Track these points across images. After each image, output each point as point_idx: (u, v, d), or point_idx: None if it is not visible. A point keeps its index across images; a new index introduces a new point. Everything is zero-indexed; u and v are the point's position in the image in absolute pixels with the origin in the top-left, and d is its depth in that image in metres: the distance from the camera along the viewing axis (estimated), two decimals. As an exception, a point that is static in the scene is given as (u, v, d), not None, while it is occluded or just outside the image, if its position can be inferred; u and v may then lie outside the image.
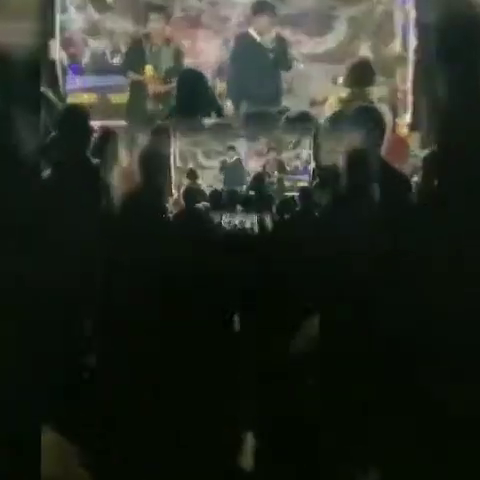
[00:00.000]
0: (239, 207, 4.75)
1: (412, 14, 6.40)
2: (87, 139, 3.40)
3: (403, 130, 6.16)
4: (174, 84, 5.55)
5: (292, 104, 6.02)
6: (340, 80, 5.50)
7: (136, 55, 6.02)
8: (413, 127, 6.20)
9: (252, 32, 6.00)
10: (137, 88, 5.98)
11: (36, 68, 2.14)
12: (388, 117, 4.54)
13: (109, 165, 3.53)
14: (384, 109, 4.65)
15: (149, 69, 5.94)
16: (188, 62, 6.12)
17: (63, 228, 2.71)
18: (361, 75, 4.97)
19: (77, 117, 3.43)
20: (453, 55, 1.99)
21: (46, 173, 3.11)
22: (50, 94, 4.62)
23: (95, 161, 3.36)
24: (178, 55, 6.09)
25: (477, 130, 1.82)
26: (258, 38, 5.97)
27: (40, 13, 2.02)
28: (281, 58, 5.99)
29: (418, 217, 2.72)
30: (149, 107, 5.89)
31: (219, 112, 5.12)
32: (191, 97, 4.63)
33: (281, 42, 6.03)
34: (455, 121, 1.88)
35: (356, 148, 3.27)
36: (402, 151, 5.10)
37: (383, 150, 3.38)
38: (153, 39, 6.02)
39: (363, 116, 3.52)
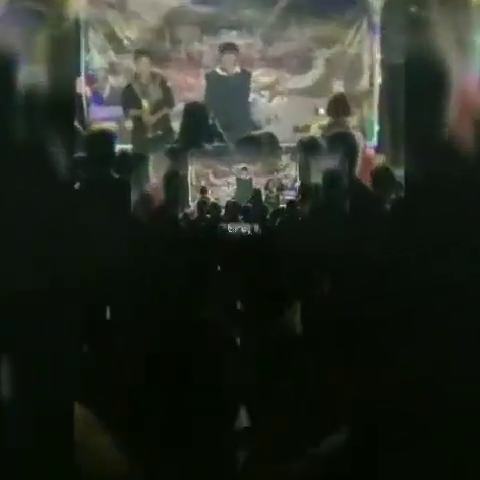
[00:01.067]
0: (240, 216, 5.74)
1: (377, 56, 7.26)
2: (113, 158, 3.86)
3: (370, 152, 6.93)
4: (165, 112, 6.68)
5: (277, 130, 6.78)
6: (321, 110, 6.52)
7: (130, 95, 6.90)
8: (378, 150, 7.16)
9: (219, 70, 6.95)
10: (137, 120, 6.86)
11: (67, 102, 2.74)
12: (361, 142, 5.29)
13: (140, 182, 4.21)
14: (358, 135, 5.31)
15: (144, 104, 6.82)
16: (186, 96, 6.95)
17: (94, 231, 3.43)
18: (340, 106, 6.02)
19: (104, 139, 3.86)
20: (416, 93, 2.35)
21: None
22: (76, 122, 5.28)
23: (124, 178, 3.78)
24: (165, 88, 6.92)
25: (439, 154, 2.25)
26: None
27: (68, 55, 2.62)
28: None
29: (386, 225, 3.28)
30: (149, 135, 6.75)
31: (221, 138, 5.87)
32: (196, 127, 5.33)
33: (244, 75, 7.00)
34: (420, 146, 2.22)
35: (333, 169, 3.74)
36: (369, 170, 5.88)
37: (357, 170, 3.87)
38: (141, 78, 6.91)
39: (341, 141, 4.01)
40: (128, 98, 6.91)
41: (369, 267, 2.86)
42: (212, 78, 7.01)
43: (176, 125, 6.60)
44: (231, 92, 6.83)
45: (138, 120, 6.84)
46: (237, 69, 6.98)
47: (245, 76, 7.06)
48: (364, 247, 3.09)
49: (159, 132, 6.73)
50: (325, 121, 6.06)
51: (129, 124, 6.92)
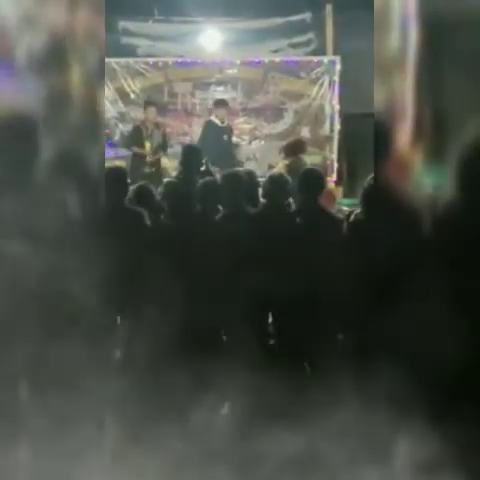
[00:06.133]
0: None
1: (336, 107, 8.98)
2: (126, 189, 4.57)
3: (331, 185, 8.39)
4: (161, 155, 7.87)
5: (255, 167, 7.87)
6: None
7: (137, 135, 7.98)
8: (338, 184, 8.86)
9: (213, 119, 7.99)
10: (138, 157, 7.90)
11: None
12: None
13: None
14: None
15: (147, 145, 7.90)
16: (180, 139, 8.46)
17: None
18: (295, 148, 7.03)
19: (118, 173, 4.62)
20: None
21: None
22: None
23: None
24: (165, 136, 8.11)
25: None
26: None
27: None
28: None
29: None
30: (146, 171, 7.68)
31: (210, 174, 6.19)
32: (192, 164, 5.83)
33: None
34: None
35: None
36: (331, 200, 6.73)
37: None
38: (147, 123, 7.95)
39: (310, 176, 4.60)
40: (135, 137, 8.01)
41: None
42: (208, 125, 7.98)
43: (166, 164, 7.94)
44: (220, 137, 7.83)
45: (140, 158, 7.90)
46: (226, 120, 8.04)
47: (230, 125, 8.21)
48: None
49: (153, 169, 7.75)
50: (287, 160, 7.10)
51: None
